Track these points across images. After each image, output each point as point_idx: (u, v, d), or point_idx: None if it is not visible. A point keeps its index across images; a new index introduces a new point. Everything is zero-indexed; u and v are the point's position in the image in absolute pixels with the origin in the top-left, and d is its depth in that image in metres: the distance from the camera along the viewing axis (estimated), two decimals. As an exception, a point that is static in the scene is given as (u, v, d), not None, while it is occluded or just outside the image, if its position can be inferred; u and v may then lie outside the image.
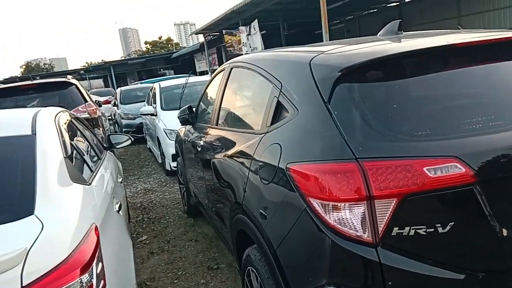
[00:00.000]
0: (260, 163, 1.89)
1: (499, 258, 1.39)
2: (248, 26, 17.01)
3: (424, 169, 1.32)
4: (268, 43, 16.34)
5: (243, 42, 17.02)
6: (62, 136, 2.25)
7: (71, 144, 2.34)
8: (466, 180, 1.32)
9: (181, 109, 3.80)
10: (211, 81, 3.58)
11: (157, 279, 3.17)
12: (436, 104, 1.53)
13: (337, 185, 1.38)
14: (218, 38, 24.21)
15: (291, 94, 1.81)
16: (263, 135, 1.96)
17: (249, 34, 16.90)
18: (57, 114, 2.59)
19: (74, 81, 6.52)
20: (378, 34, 2.17)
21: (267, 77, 2.10)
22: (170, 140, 5.77)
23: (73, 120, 3.07)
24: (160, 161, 7.01)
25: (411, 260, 1.35)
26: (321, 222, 1.42)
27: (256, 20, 16.31)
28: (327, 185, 1.41)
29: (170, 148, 5.73)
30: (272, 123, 1.91)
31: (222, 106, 2.92)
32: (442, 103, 1.54)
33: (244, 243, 2.12)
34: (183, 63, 33.97)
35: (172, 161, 5.73)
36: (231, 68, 2.85)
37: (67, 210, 1.60)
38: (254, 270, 1.94)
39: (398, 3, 20.45)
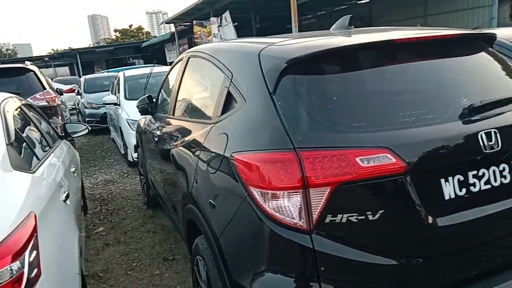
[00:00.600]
0: (209, 153, 1.90)
1: (426, 244, 1.46)
2: (219, 17, 16.86)
3: (357, 159, 1.37)
4: (240, 35, 16.28)
5: (214, 34, 16.86)
6: (6, 123, 2.18)
7: (16, 131, 2.27)
8: (396, 170, 1.38)
9: (140, 99, 3.74)
10: (170, 70, 3.54)
11: (110, 271, 3.13)
12: (373, 97, 1.59)
13: (276, 174, 1.41)
14: (189, 29, 23.84)
15: (240, 84, 1.82)
16: (213, 124, 1.97)
17: (220, 26, 16.77)
18: (3, 101, 2.50)
19: (32, 67, 6.26)
20: (330, 29, 2.21)
21: (220, 67, 2.10)
22: (133, 130, 5.67)
23: (23, 107, 2.96)
24: (122, 152, 6.88)
25: (343, 246, 1.40)
26: (260, 211, 1.45)
27: (227, 11, 16.20)
28: (266, 174, 1.44)
29: (132, 138, 5.63)
30: (222, 113, 1.92)
31: (178, 96, 2.90)
32: (379, 96, 1.59)
33: (194, 233, 2.13)
34: (154, 53, 33.29)
35: (134, 152, 5.64)
36: (189, 58, 2.83)
37: (4, 197, 1.56)
38: (202, 259, 1.96)
39: (368, 0, 20.83)
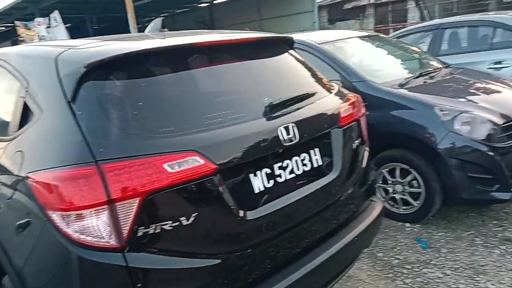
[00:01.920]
0: (4, 175, 1.62)
1: (241, 239, 1.52)
2: (48, 18, 15.04)
3: (165, 165, 1.33)
4: (76, 37, 14.84)
5: (41, 36, 14.95)
6: None
7: None
8: (205, 172, 1.39)
9: None
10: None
11: None
12: (180, 101, 1.58)
13: (77, 192, 1.27)
14: (12, 30, 20.67)
15: (37, 93, 1.60)
16: (9, 141, 1.69)
17: (50, 27, 14.97)
18: None
19: None
20: (145, 31, 2.13)
21: (15, 74, 1.82)
22: None
23: None
24: None
25: (161, 257, 1.35)
26: (63, 237, 1.29)
27: (56, 11, 14.55)
28: (66, 194, 1.28)
29: None
30: (19, 128, 1.66)
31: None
32: (186, 100, 1.59)
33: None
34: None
35: None
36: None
37: None
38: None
39: (208, 4, 21.46)
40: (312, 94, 1.90)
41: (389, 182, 3.22)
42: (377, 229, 2.22)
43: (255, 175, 1.56)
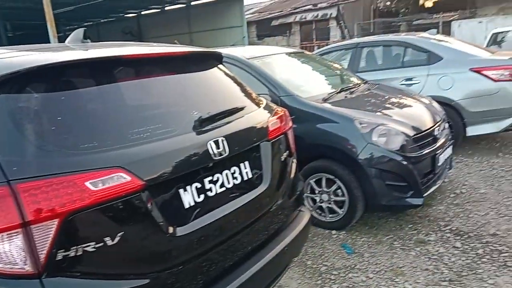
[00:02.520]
0: None
1: (172, 256, 1.49)
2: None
3: (87, 183, 1.26)
4: (-16, 45, 13.53)
5: None
6: None
7: None
8: (132, 188, 1.35)
9: None
10: None
11: None
12: (103, 115, 1.52)
13: (-14, 215, 1.16)
14: None
15: None
16: None
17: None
18: None
19: None
20: (66, 41, 2.02)
21: None
22: None
23: None
24: None
25: (84, 281, 1.27)
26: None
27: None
28: (-27, 218, 1.16)
29: None
30: None
31: None
32: (110, 114, 1.53)
33: None
34: None
35: None
36: None
37: None
38: None
39: (136, 14, 20.91)
40: (241, 108, 1.93)
41: (316, 192, 3.37)
42: (306, 238, 2.30)
43: (185, 190, 1.54)
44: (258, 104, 2.12)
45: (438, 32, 6.47)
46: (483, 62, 4.70)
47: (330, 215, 3.36)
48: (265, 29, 19.83)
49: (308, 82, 4.03)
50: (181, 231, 1.48)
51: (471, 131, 4.68)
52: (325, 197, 3.33)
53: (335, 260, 2.89)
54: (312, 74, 4.32)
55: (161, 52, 1.81)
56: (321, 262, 2.87)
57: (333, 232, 3.30)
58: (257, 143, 1.89)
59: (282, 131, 2.09)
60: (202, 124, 1.66)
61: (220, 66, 2.18)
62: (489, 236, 2.98)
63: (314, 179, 3.36)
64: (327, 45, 6.85)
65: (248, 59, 3.73)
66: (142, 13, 20.70)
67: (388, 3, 21.33)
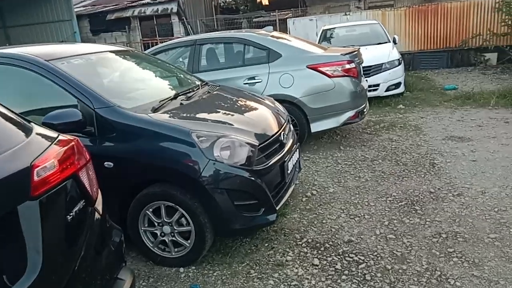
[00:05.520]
0: None
1: None
2: None
3: None
4: None
5: None
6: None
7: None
8: None
9: None
10: None
11: None
12: None
13: None
14: None
15: None
16: None
17: None
18: None
19: None
20: None
21: None
22: None
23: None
24: None
25: None
26: None
27: None
28: None
29: None
30: None
31: None
32: None
33: None
34: None
35: None
36: None
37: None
38: None
39: None
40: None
41: (156, 224, 2.72)
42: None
43: None
44: (24, 134, 1.36)
45: (274, 29, 6.45)
46: (318, 58, 4.71)
47: (176, 249, 2.75)
48: (101, 24, 17.78)
49: (135, 88, 3.32)
50: None
51: (315, 127, 4.66)
52: (167, 229, 2.70)
53: (183, 312, 2.30)
54: (141, 77, 3.60)
55: None
56: (165, 320, 2.25)
57: (181, 270, 2.71)
58: (8, 210, 1.14)
59: (66, 175, 1.37)
60: None
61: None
62: (344, 244, 2.81)
63: (151, 209, 2.70)
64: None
65: (48, 60, 2.81)
66: None
67: (229, -1, 21.73)
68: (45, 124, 2.47)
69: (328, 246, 2.81)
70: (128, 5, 18.24)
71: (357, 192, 3.60)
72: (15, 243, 1.15)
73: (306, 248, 2.81)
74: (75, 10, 15.78)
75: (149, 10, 18.02)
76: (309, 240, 2.90)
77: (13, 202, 1.13)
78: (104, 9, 18.31)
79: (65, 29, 15.24)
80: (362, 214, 3.19)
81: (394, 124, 5.72)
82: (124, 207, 2.73)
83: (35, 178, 1.22)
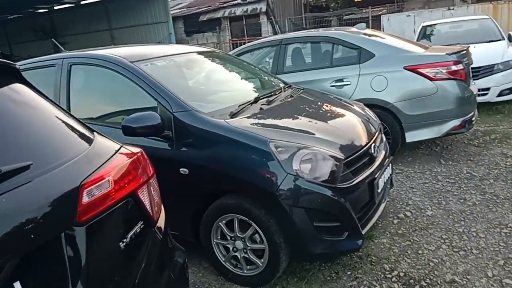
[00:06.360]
0: None
1: None
2: None
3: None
4: None
5: None
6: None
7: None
8: None
9: None
10: None
11: None
12: None
13: None
14: None
15: None
16: None
17: None
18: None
19: None
20: None
21: None
22: None
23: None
24: None
25: None
26: None
27: None
28: None
29: None
30: None
31: None
32: None
33: None
34: None
35: None
36: None
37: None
38: None
39: (47, 9, 18.72)
40: (26, 168, 1.01)
41: (229, 237, 2.53)
42: None
43: None
44: (84, 145, 1.22)
45: (368, 27, 5.94)
46: (418, 58, 4.15)
47: (248, 267, 2.53)
48: (194, 25, 18.60)
49: (215, 91, 3.18)
50: None
51: (411, 136, 4.11)
52: (239, 244, 2.50)
53: None
54: (222, 80, 3.46)
55: None
56: None
57: (252, 290, 2.48)
58: (53, 237, 0.99)
59: (122, 195, 1.20)
60: None
61: (16, 85, 1.24)
62: (445, 284, 2.33)
63: (224, 221, 2.52)
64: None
65: (132, 62, 2.79)
66: (55, 8, 18.52)
67: (319, -3, 21.21)
68: (124, 127, 2.44)
69: (425, 284, 2.35)
70: (219, 6, 18.80)
71: (462, 219, 3.03)
72: (56, 273, 0.99)
73: (397, 284, 2.38)
74: (171, 12, 16.69)
75: (239, 11, 18.36)
76: (401, 274, 2.47)
77: (56, 229, 0.98)
78: (198, 10, 19.10)
79: (161, 30, 16.21)
80: (469, 248, 2.64)
81: (509, 135, 4.86)
82: (198, 216, 2.59)
83: (84, 200, 1.06)
